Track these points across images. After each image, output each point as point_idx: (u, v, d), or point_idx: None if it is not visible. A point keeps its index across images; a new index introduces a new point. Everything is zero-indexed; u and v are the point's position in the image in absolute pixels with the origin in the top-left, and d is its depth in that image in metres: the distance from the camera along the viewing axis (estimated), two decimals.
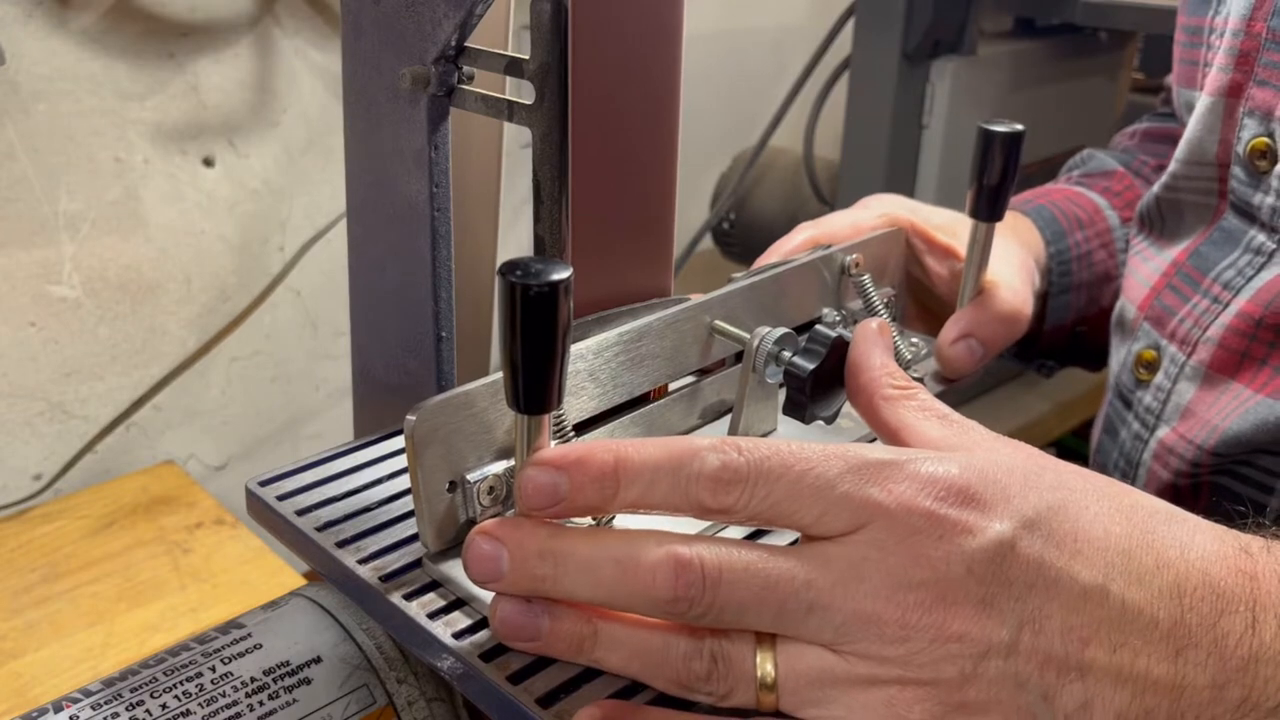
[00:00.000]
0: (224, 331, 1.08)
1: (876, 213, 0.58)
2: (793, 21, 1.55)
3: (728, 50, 1.50)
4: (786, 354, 0.42)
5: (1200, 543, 0.32)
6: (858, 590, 0.31)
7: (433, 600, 0.37)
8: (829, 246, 0.52)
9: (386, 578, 0.37)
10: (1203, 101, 0.57)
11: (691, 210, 1.40)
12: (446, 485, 0.36)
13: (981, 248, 0.54)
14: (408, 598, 0.37)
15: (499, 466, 0.37)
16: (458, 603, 0.37)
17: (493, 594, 0.34)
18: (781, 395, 0.43)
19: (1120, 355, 0.63)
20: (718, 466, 0.31)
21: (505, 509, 0.38)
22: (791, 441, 0.32)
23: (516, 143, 1.03)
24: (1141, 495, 0.34)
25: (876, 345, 0.39)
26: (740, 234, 1.39)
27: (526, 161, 0.40)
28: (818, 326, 0.42)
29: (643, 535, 0.32)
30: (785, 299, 0.49)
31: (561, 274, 0.30)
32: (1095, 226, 0.69)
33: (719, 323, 0.45)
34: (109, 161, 0.95)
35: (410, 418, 0.34)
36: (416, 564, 0.38)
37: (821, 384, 0.41)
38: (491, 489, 0.37)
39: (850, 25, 1.18)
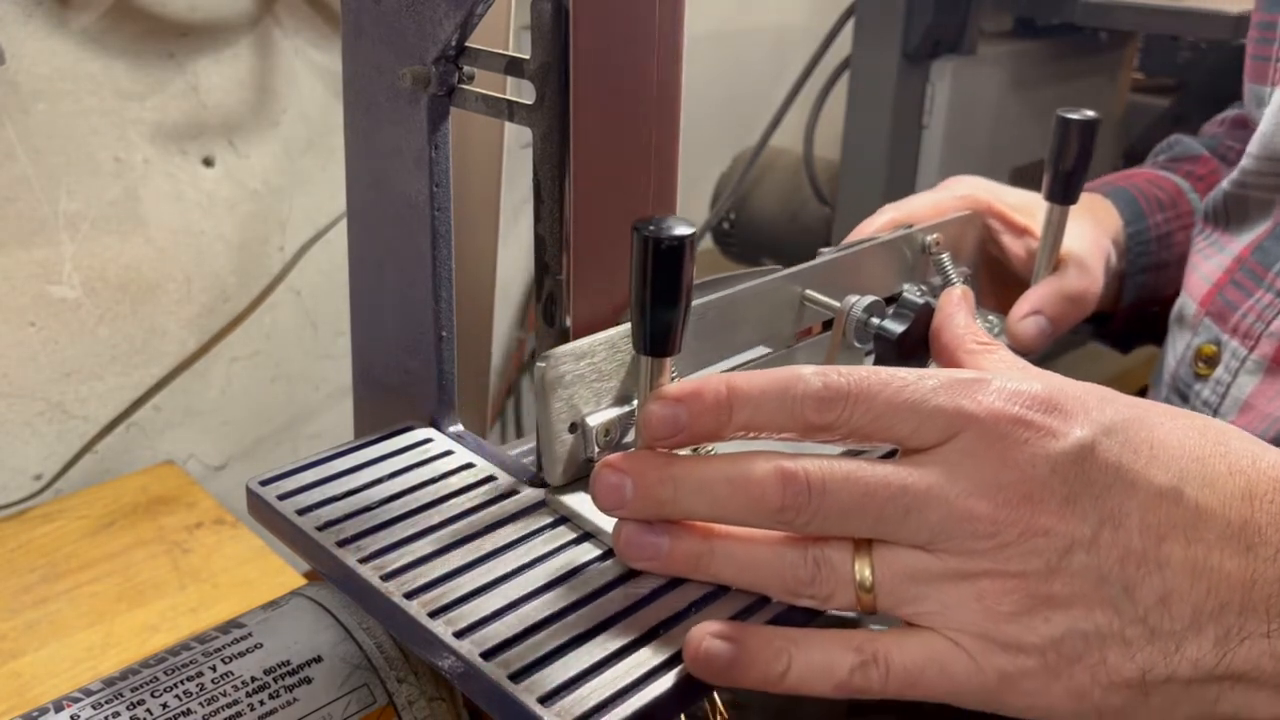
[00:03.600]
0: (224, 331, 1.08)
1: (957, 194, 0.61)
2: (793, 21, 1.55)
3: (728, 50, 1.50)
4: (876, 320, 0.46)
5: (1271, 455, 0.34)
6: (951, 491, 0.33)
7: (433, 599, 0.37)
8: (910, 226, 0.55)
9: (387, 577, 0.37)
10: (1276, 97, 0.58)
11: (691, 210, 1.40)
12: (568, 426, 0.40)
13: (1055, 229, 0.57)
14: (408, 597, 0.37)
15: (614, 412, 0.40)
16: (458, 601, 0.37)
17: (615, 522, 0.37)
18: (867, 363, 0.47)
19: (1178, 350, 0.64)
20: (820, 386, 0.34)
21: (619, 450, 0.41)
22: (884, 367, 0.35)
23: (516, 143, 1.03)
24: (1215, 420, 0.36)
25: (960, 309, 0.43)
26: (740, 234, 1.39)
27: (526, 161, 0.40)
28: (905, 294, 0.46)
29: (751, 455, 0.35)
30: (868, 274, 0.52)
31: (688, 230, 0.33)
32: (1177, 208, 0.70)
33: (810, 292, 0.48)
34: (109, 161, 0.95)
35: (540, 364, 0.38)
36: (417, 563, 0.38)
37: (907, 347, 0.45)
38: (607, 431, 0.40)
39: (850, 25, 1.18)
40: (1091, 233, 0.62)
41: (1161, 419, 0.34)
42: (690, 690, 0.35)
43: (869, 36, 1.14)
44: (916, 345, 0.45)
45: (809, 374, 0.35)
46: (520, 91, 0.40)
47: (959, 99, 1.15)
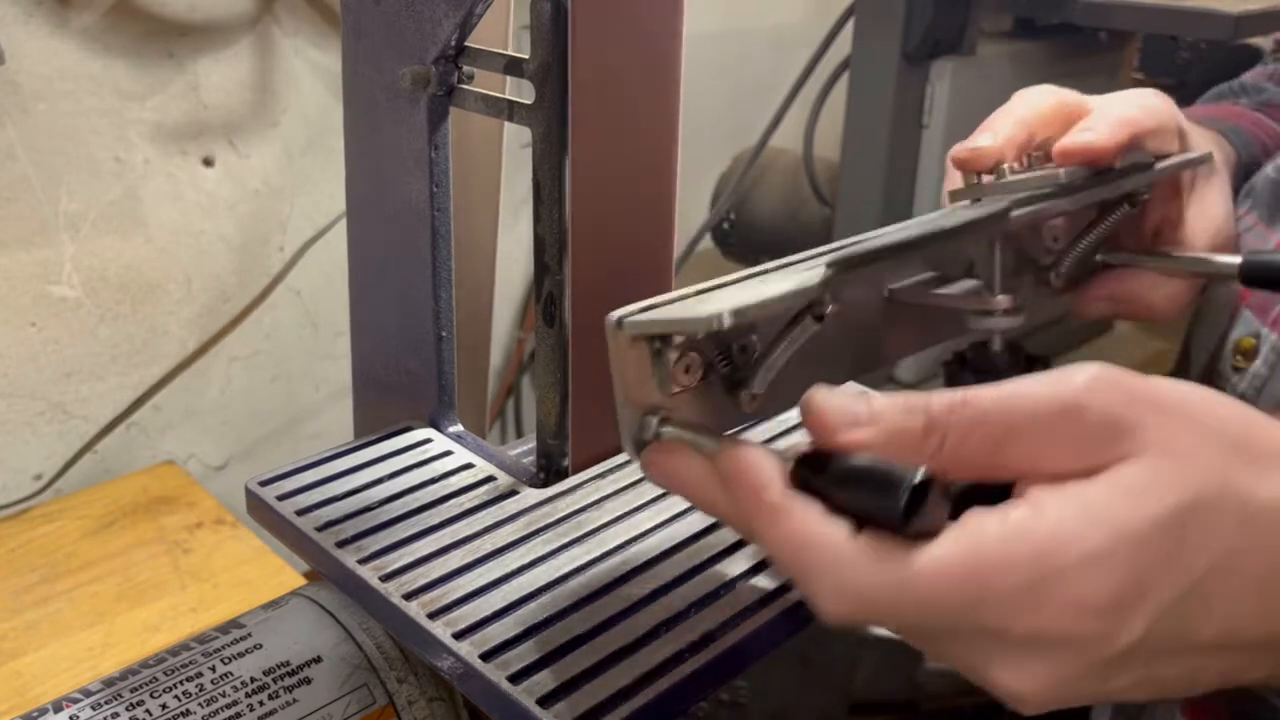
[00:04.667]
0: (224, 331, 1.08)
1: (1156, 108, 0.47)
2: (793, 21, 1.55)
3: (728, 50, 1.50)
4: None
5: None
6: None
7: (433, 600, 0.37)
8: (1150, 158, 0.44)
9: (387, 577, 0.37)
10: None
11: (691, 210, 1.40)
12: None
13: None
14: (408, 597, 0.37)
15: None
16: (458, 602, 0.37)
17: None
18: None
19: (1213, 338, 0.61)
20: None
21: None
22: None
23: (516, 143, 1.02)
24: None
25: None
26: (740, 234, 1.39)
27: (526, 161, 0.40)
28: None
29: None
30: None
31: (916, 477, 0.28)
32: None
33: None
34: (109, 161, 0.95)
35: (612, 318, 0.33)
36: (417, 564, 0.38)
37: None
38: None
39: (850, 25, 1.18)
40: (1228, 213, 0.52)
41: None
42: (690, 691, 0.35)
43: (869, 36, 1.14)
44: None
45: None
46: (520, 91, 0.40)
47: (959, 99, 1.15)
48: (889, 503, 0.28)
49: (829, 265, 0.33)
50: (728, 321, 0.30)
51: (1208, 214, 0.49)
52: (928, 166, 1.17)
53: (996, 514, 0.28)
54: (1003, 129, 0.46)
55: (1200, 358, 0.63)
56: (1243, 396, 0.57)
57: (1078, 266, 0.48)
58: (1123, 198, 0.44)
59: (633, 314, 0.33)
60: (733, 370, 0.36)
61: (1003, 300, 0.39)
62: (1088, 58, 1.30)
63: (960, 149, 0.46)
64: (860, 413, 0.30)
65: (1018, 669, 0.29)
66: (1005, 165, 0.45)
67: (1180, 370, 0.67)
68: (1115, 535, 0.28)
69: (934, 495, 0.28)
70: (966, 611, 0.28)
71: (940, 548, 0.28)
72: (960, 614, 0.28)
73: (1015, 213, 0.39)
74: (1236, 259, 0.46)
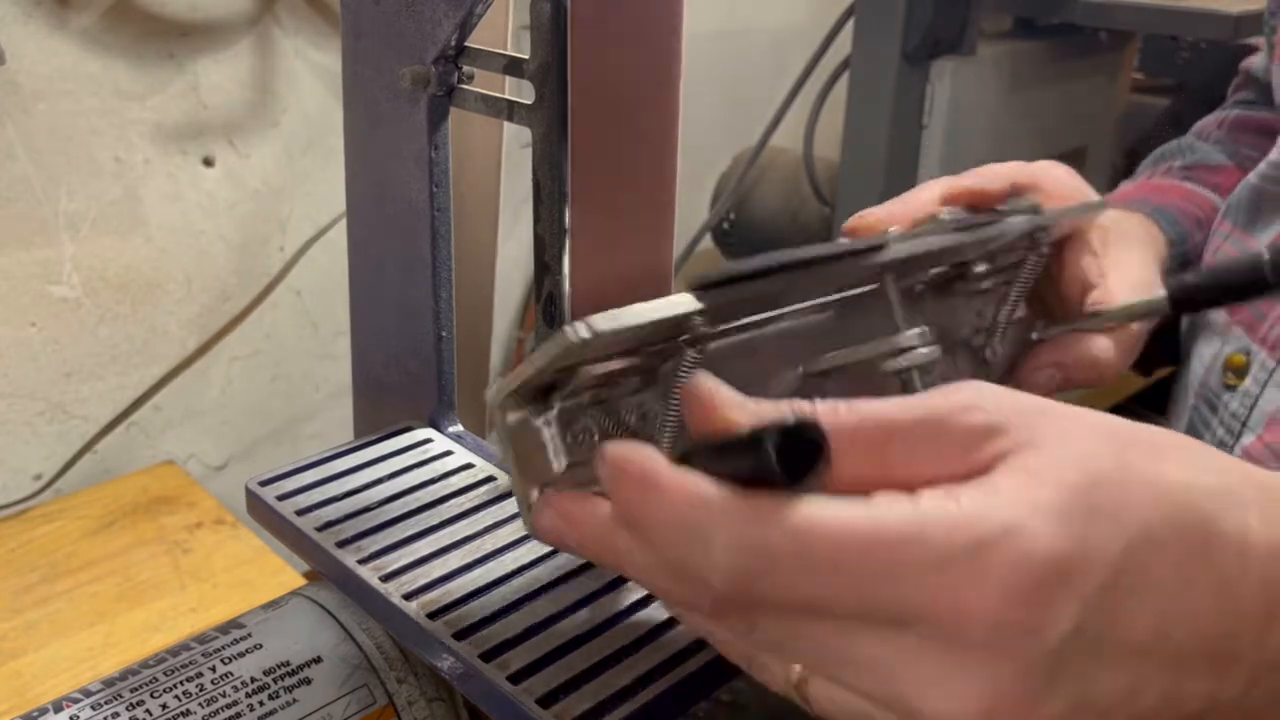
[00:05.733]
0: (224, 331, 1.08)
1: (1051, 175, 0.50)
2: (793, 21, 1.55)
3: (728, 50, 1.50)
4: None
5: (1254, 566, 0.28)
6: (892, 683, 0.27)
7: (433, 600, 0.37)
8: (1037, 206, 0.45)
9: (386, 578, 0.37)
10: None
11: (691, 210, 1.40)
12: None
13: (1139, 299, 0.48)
14: (407, 598, 0.37)
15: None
16: (458, 603, 0.37)
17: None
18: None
19: (1205, 358, 0.61)
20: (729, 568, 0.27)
21: None
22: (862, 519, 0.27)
23: (516, 143, 1.02)
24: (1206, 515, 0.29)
25: None
26: (740, 234, 1.39)
27: (526, 161, 0.40)
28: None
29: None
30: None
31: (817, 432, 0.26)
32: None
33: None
34: (109, 161, 0.95)
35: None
36: (417, 564, 0.38)
37: None
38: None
39: (850, 25, 1.18)
40: (1151, 265, 0.53)
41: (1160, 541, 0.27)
42: (689, 693, 0.35)
43: (869, 36, 1.14)
44: None
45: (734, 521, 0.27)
46: (520, 91, 0.40)
47: (959, 99, 1.15)
48: (763, 453, 0.25)
49: (693, 288, 0.33)
50: (584, 334, 0.29)
51: (1130, 278, 0.50)
52: (928, 166, 1.17)
53: (904, 495, 0.27)
54: (900, 207, 0.47)
55: (1193, 379, 0.63)
56: (1235, 415, 0.57)
57: (1014, 346, 0.48)
58: (1025, 245, 0.44)
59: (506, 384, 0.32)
60: (634, 437, 0.33)
61: (910, 335, 0.38)
62: (1088, 58, 1.30)
63: (851, 219, 0.47)
64: (747, 400, 0.29)
65: (940, 680, 0.26)
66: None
67: (1174, 392, 0.67)
68: (1029, 509, 0.26)
69: (825, 460, 0.26)
70: (877, 583, 0.26)
71: (845, 508, 0.26)
72: (871, 586, 0.26)
73: (897, 243, 0.39)
74: (1162, 291, 0.46)
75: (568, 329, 0.30)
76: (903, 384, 0.39)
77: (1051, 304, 0.52)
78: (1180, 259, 0.61)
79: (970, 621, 0.26)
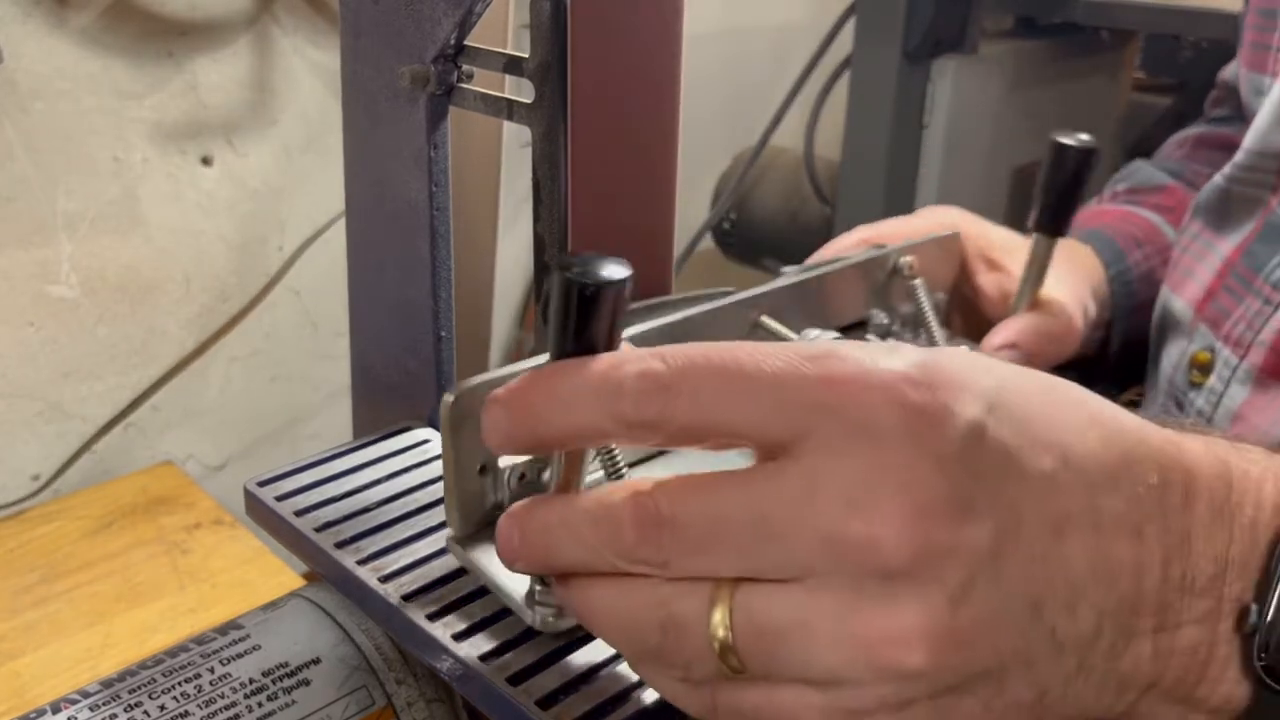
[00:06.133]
0: (223, 331, 1.07)
1: (934, 221, 0.57)
2: (793, 21, 1.55)
3: (728, 50, 1.50)
4: None
5: (1125, 416, 0.29)
6: (816, 507, 0.26)
7: (432, 601, 0.36)
8: (884, 246, 0.51)
9: (386, 578, 0.37)
10: (1276, 89, 0.56)
11: (691, 210, 1.40)
12: (479, 468, 0.35)
13: (1040, 262, 0.53)
14: (407, 599, 0.36)
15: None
16: (457, 603, 0.36)
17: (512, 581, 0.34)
18: None
19: (1173, 356, 0.62)
20: (635, 374, 0.28)
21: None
22: (725, 343, 0.28)
23: (516, 142, 1.02)
24: (1058, 379, 0.31)
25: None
26: (740, 234, 1.39)
27: (526, 161, 0.40)
28: (871, 328, 0.42)
29: (615, 486, 0.29)
30: (834, 298, 0.48)
31: (619, 274, 0.28)
32: (1155, 243, 0.68)
33: (765, 319, 0.44)
34: (108, 161, 0.95)
35: (448, 397, 0.33)
36: (416, 564, 0.38)
37: None
38: (523, 475, 0.36)
39: (850, 25, 1.17)
40: (1070, 279, 0.60)
41: (1021, 382, 0.29)
42: None
43: (869, 36, 1.14)
44: None
45: (627, 359, 0.28)
46: (519, 90, 0.40)
47: (959, 99, 1.15)
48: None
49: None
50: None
51: (1050, 292, 0.56)
52: (928, 166, 1.17)
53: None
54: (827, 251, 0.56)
55: (1162, 377, 0.64)
56: (1200, 413, 0.58)
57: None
58: (901, 277, 0.51)
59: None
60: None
61: (812, 331, 0.42)
62: (1089, 57, 1.30)
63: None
64: None
65: (886, 603, 0.26)
66: None
67: (1148, 395, 0.68)
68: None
69: None
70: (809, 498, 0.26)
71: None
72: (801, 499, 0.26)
73: (786, 271, 0.45)
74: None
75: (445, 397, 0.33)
76: None
77: (980, 321, 0.58)
78: (1122, 275, 0.66)
79: (905, 554, 0.26)
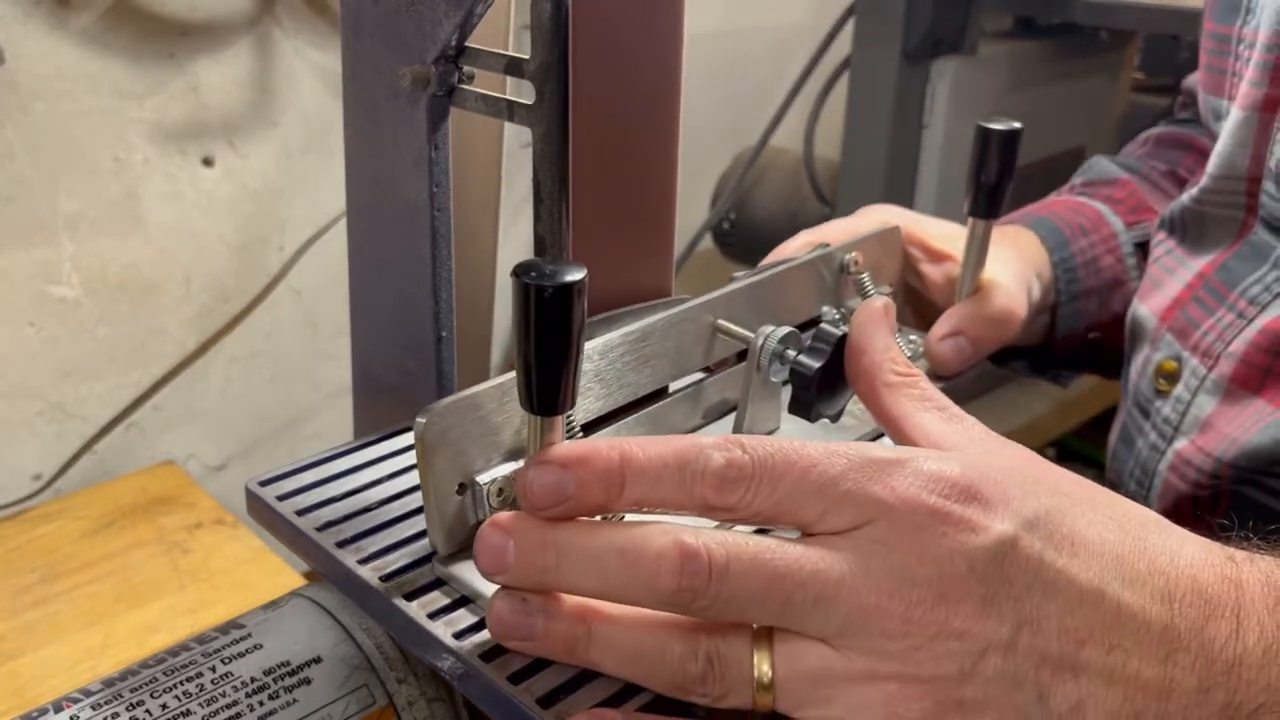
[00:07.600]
0: (223, 331, 1.08)
1: (874, 219, 0.59)
2: (793, 21, 1.55)
3: (728, 50, 1.50)
4: (791, 353, 0.43)
5: (1188, 551, 0.32)
6: (863, 582, 0.31)
7: (433, 600, 0.37)
8: (828, 245, 0.53)
9: (387, 578, 0.37)
10: (1234, 115, 0.57)
11: (691, 210, 1.40)
12: (456, 487, 0.36)
13: (979, 246, 0.55)
14: (408, 598, 0.37)
15: (508, 468, 0.37)
16: (458, 603, 0.36)
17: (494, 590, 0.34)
18: (785, 393, 0.43)
19: (1138, 364, 0.63)
20: (722, 464, 0.31)
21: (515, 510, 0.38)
22: (795, 440, 0.32)
23: (516, 142, 1.02)
24: (1133, 505, 0.34)
25: (880, 326, 0.39)
26: (740, 234, 1.39)
27: (526, 161, 0.40)
28: (823, 325, 0.42)
29: (648, 526, 0.32)
30: (786, 298, 0.50)
31: (575, 275, 0.30)
32: (1100, 232, 0.69)
33: (722, 322, 0.45)
34: (108, 161, 0.95)
35: (420, 420, 0.34)
36: (417, 564, 0.38)
37: (827, 382, 0.41)
38: (501, 490, 0.37)
39: (850, 25, 1.18)
40: (1014, 261, 0.61)
41: (1083, 509, 0.33)
42: None
43: (869, 36, 1.14)
44: (834, 378, 0.41)
45: (710, 448, 0.32)
46: (520, 91, 0.40)
47: (959, 99, 1.15)
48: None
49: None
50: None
51: (990, 274, 0.58)
52: (928, 166, 1.17)
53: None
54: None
55: (1129, 385, 0.64)
56: (1167, 421, 0.58)
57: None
58: (847, 273, 0.53)
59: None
60: None
61: (767, 327, 0.43)
62: (1088, 57, 1.30)
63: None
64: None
65: (904, 665, 0.31)
66: None
67: (1115, 405, 0.68)
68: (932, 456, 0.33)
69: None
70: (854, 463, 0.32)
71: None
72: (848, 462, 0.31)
73: (737, 276, 0.47)
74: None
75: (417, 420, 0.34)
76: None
77: (930, 311, 0.61)
78: (1065, 262, 0.67)
79: (930, 500, 0.31)
